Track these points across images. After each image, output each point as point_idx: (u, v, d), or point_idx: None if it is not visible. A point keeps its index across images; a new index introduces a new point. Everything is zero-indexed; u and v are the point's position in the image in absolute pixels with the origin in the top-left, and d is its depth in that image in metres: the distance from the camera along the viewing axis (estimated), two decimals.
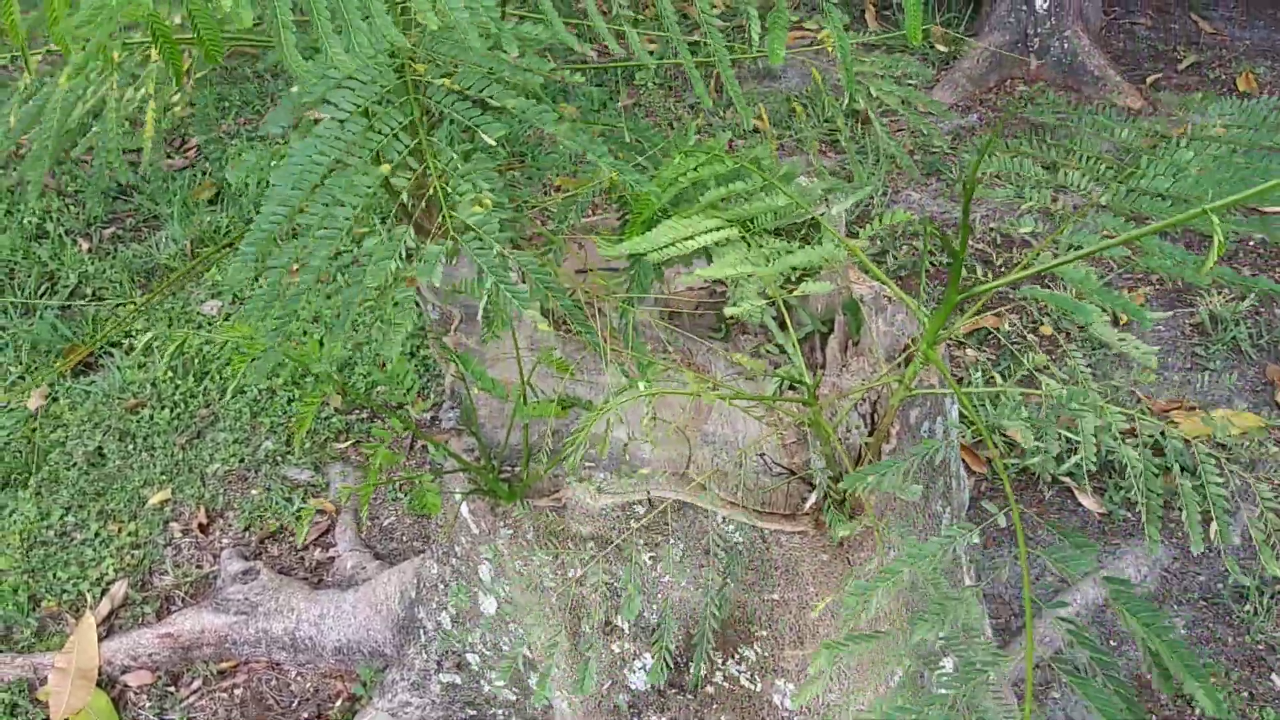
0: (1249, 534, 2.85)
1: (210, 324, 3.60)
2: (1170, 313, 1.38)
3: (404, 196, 1.34)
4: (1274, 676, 2.57)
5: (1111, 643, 2.67)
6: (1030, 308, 3.54)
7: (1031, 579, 2.83)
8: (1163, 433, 1.36)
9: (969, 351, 3.43)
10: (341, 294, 1.30)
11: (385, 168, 1.34)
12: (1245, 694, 2.53)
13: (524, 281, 1.33)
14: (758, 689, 1.59)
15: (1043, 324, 3.49)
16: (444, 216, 1.31)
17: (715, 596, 1.47)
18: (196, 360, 3.44)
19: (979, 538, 2.84)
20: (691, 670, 1.57)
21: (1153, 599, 2.77)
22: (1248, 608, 2.69)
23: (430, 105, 1.40)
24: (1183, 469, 1.28)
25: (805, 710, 1.59)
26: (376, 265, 1.29)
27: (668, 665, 1.31)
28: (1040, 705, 2.41)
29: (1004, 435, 3.14)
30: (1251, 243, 3.84)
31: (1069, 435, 3.08)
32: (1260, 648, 2.61)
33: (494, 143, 1.38)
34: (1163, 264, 1.32)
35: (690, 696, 1.65)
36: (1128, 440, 1.34)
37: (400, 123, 1.36)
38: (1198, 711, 2.51)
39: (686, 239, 1.39)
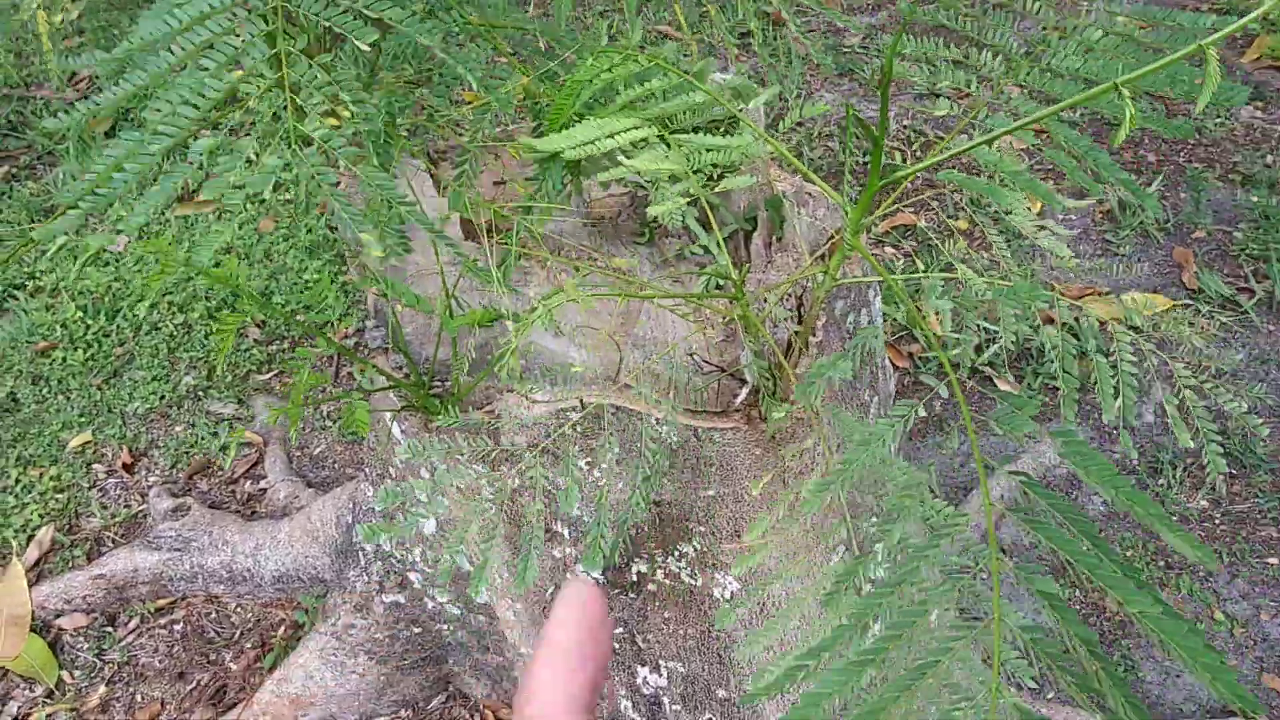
0: (1160, 410, 2.96)
1: (118, 261, 3.49)
2: (1087, 201, 1.41)
3: (258, 103, 1.30)
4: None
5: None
6: (946, 202, 3.58)
7: (957, 468, 2.91)
8: (1077, 317, 1.39)
9: (888, 249, 3.46)
10: (160, 181, 1.25)
11: (238, 74, 1.29)
12: (1161, 563, 2.65)
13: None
14: (698, 584, 1.62)
15: (959, 219, 3.53)
16: (290, 129, 1.27)
17: (642, 486, 1.49)
18: (107, 298, 3.35)
19: (924, 410, 2.91)
20: (645, 567, 1.59)
21: (1071, 479, 2.87)
22: (1162, 481, 2.79)
23: (296, 12, 1.34)
24: (1098, 350, 1.32)
25: (745, 601, 1.63)
26: (220, 173, 1.24)
27: (602, 553, 1.32)
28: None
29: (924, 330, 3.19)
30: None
31: (987, 326, 3.15)
32: (1174, 518, 2.72)
33: (366, 48, 1.33)
34: (1067, 163, 1.34)
35: (633, 596, 1.67)
36: (1045, 326, 1.37)
37: (263, 29, 1.30)
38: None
39: (605, 137, 1.37)
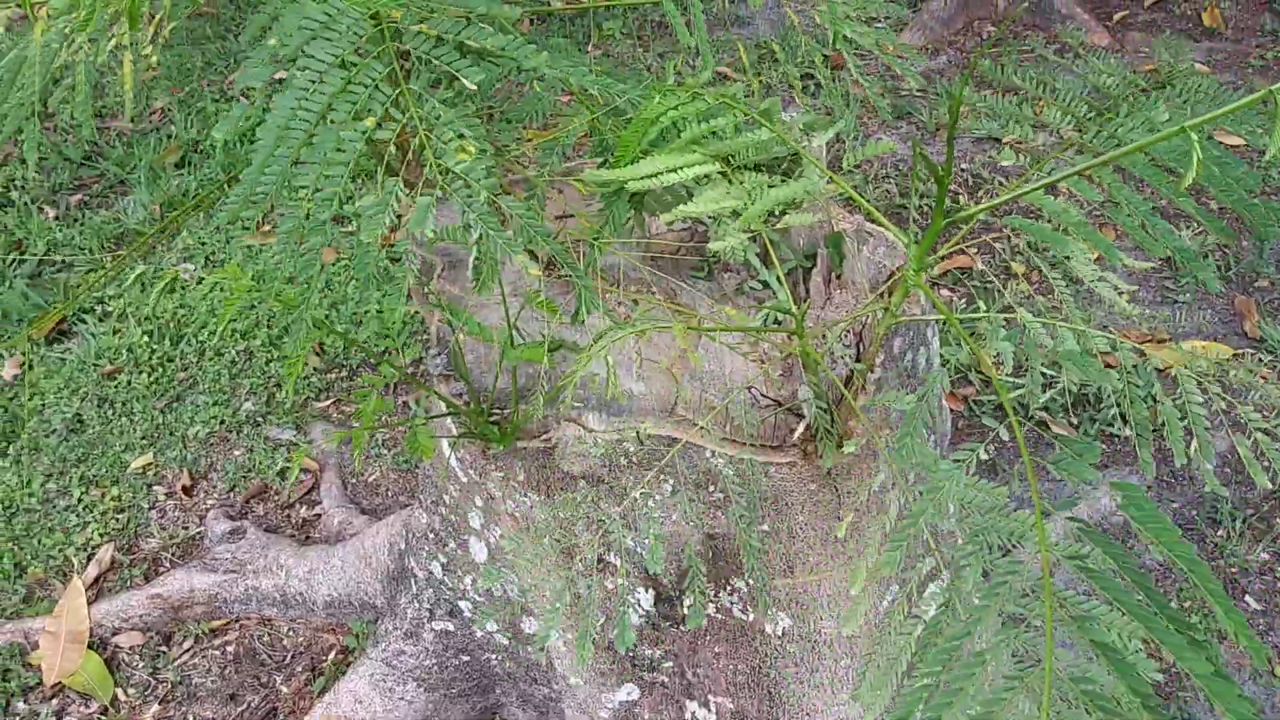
0: (1221, 460, 2.91)
1: (184, 288, 3.57)
2: (1148, 264, 1.40)
3: (385, 149, 1.34)
4: (1248, 598, 2.63)
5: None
6: (1003, 248, 3.57)
7: (1011, 511, 2.88)
8: (1136, 365, 1.39)
9: (944, 291, 3.46)
10: (352, 251, 1.30)
11: (370, 121, 1.33)
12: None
13: (509, 227, 1.34)
14: (750, 619, 1.62)
15: (1015, 264, 3.52)
16: (430, 165, 1.31)
17: (717, 526, 1.50)
18: (173, 324, 3.42)
19: (986, 453, 2.89)
20: (688, 602, 1.60)
21: (1127, 528, 2.82)
22: (1221, 532, 2.75)
23: (408, 51, 1.39)
24: (1155, 399, 1.32)
25: (799, 638, 1.63)
26: (371, 221, 1.29)
27: (674, 597, 1.34)
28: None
29: (980, 373, 3.18)
30: None
31: (1045, 371, 3.12)
32: (1234, 571, 2.67)
33: (474, 87, 1.37)
34: (1129, 222, 1.34)
35: (683, 629, 1.67)
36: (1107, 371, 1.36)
37: (380, 73, 1.35)
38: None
39: (669, 171, 1.40)
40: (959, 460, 1.11)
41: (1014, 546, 1.03)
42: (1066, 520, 1.11)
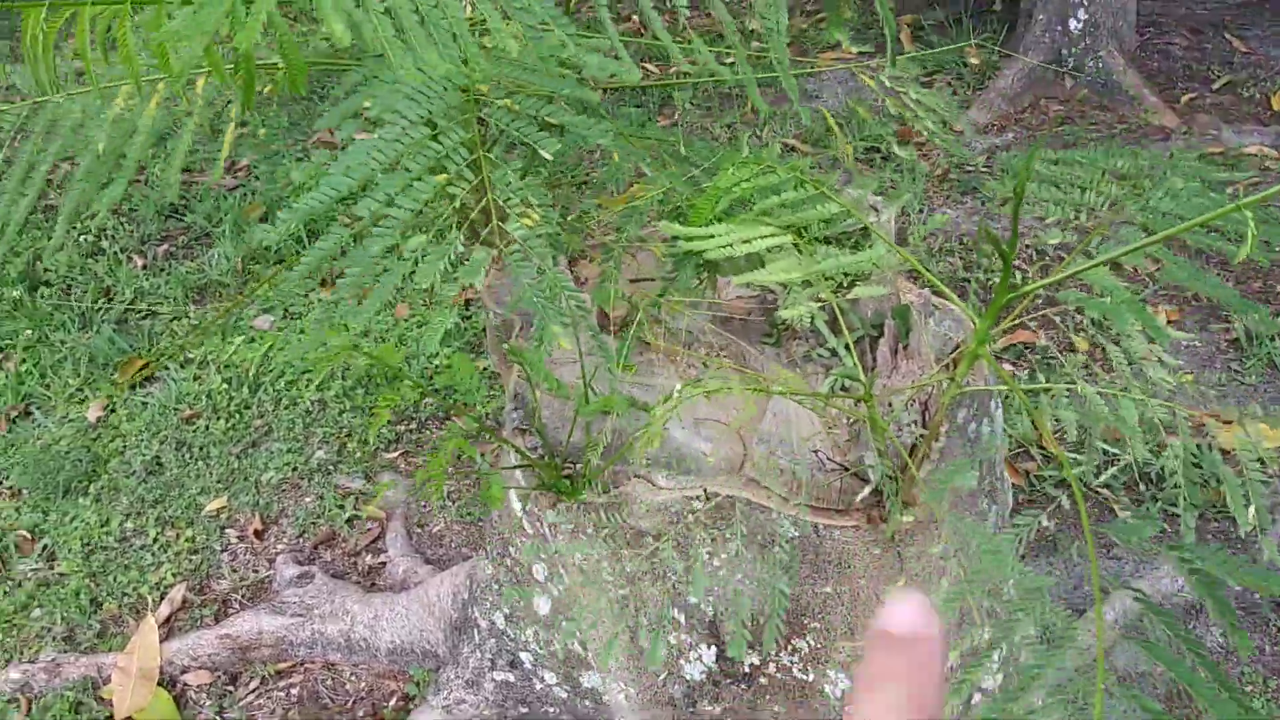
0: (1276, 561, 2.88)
1: (262, 338, 3.70)
2: (1194, 335, 1.42)
3: (459, 204, 1.42)
4: None
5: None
6: (1065, 324, 3.58)
7: (1071, 589, 2.87)
8: (1200, 444, 1.41)
9: (1006, 365, 3.47)
10: (380, 279, 1.37)
11: (442, 177, 1.42)
12: None
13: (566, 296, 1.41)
14: (810, 679, 1.64)
15: (1078, 339, 3.53)
16: (494, 227, 1.39)
17: (779, 585, 1.54)
18: (251, 373, 3.54)
19: (1048, 527, 2.89)
20: (760, 649, 1.63)
21: (1189, 609, 2.80)
22: None
23: (490, 121, 1.48)
24: (1218, 480, 1.34)
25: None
26: (427, 265, 1.37)
27: (745, 638, 1.37)
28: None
29: (1041, 448, 3.18)
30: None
31: (1106, 448, 3.12)
32: None
33: (549, 156, 1.46)
34: (1179, 275, 1.38)
35: (744, 687, 1.70)
36: (1168, 446, 1.39)
37: (461, 137, 1.44)
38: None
39: (742, 242, 1.46)
40: (1018, 527, 1.14)
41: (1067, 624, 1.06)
42: (1129, 595, 1.13)
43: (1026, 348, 3.51)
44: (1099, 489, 3.05)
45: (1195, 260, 3.75)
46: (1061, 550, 2.92)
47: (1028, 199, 1.48)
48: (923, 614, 0.46)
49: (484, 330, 3.55)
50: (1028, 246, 3.92)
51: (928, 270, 1.33)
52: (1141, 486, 3.05)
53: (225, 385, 3.50)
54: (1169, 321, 3.55)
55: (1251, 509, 1.21)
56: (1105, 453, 3.11)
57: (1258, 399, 3.30)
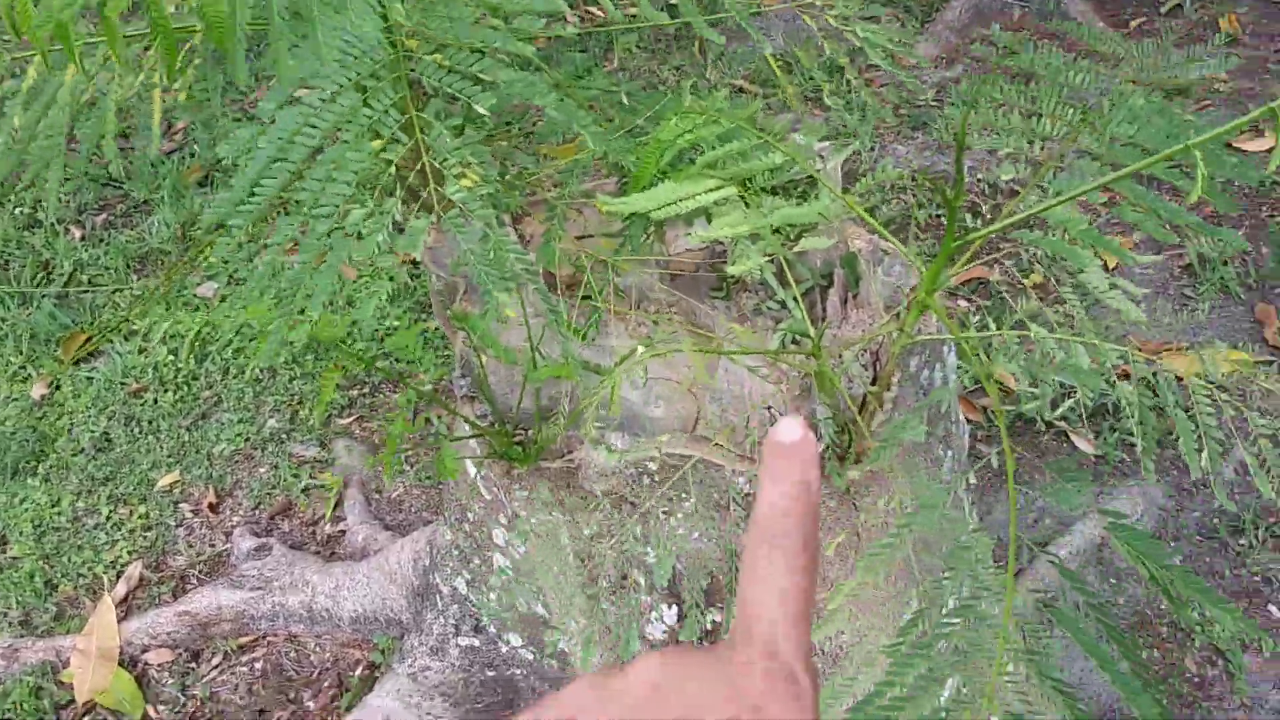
0: (1242, 468, 2.91)
1: (206, 306, 3.62)
2: (1160, 256, 1.41)
3: (395, 169, 1.37)
4: (1271, 607, 2.63)
5: (1112, 580, 2.73)
6: (1021, 254, 3.58)
7: (1030, 523, 2.88)
8: (1155, 373, 1.40)
9: (961, 302, 3.47)
10: (326, 259, 1.33)
11: (377, 143, 1.37)
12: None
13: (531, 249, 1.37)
14: None
15: (1033, 272, 3.52)
16: (431, 191, 1.34)
17: (737, 544, 1.52)
18: (197, 343, 3.47)
19: (975, 478, 2.90)
20: (720, 607, 1.62)
21: (1154, 536, 2.82)
22: (1243, 541, 2.75)
23: (421, 79, 1.43)
24: (1176, 404, 1.33)
25: (820, 652, 1.64)
26: (367, 239, 1.32)
27: (699, 615, 1.36)
28: (1042, 640, 2.47)
29: (1000, 382, 3.19)
30: (1234, 184, 3.87)
31: (1063, 381, 3.13)
32: (1257, 579, 2.67)
33: (485, 112, 1.40)
34: (1140, 217, 1.36)
35: (706, 644, 1.69)
36: (1121, 383, 1.38)
37: (392, 98, 1.38)
38: (1197, 643, 2.58)
39: (685, 199, 1.42)
40: (952, 483, 1.13)
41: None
42: (1082, 533, 1.12)
43: (980, 283, 3.50)
44: (1057, 421, 3.06)
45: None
46: (1024, 481, 2.94)
47: (983, 129, 1.44)
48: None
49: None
50: (980, 180, 3.89)
51: (874, 219, 1.29)
52: (1099, 418, 3.06)
53: (171, 357, 3.43)
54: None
55: (1204, 454, 1.20)
56: (1063, 386, 3.12)
57: (1211, 323, 3.31)
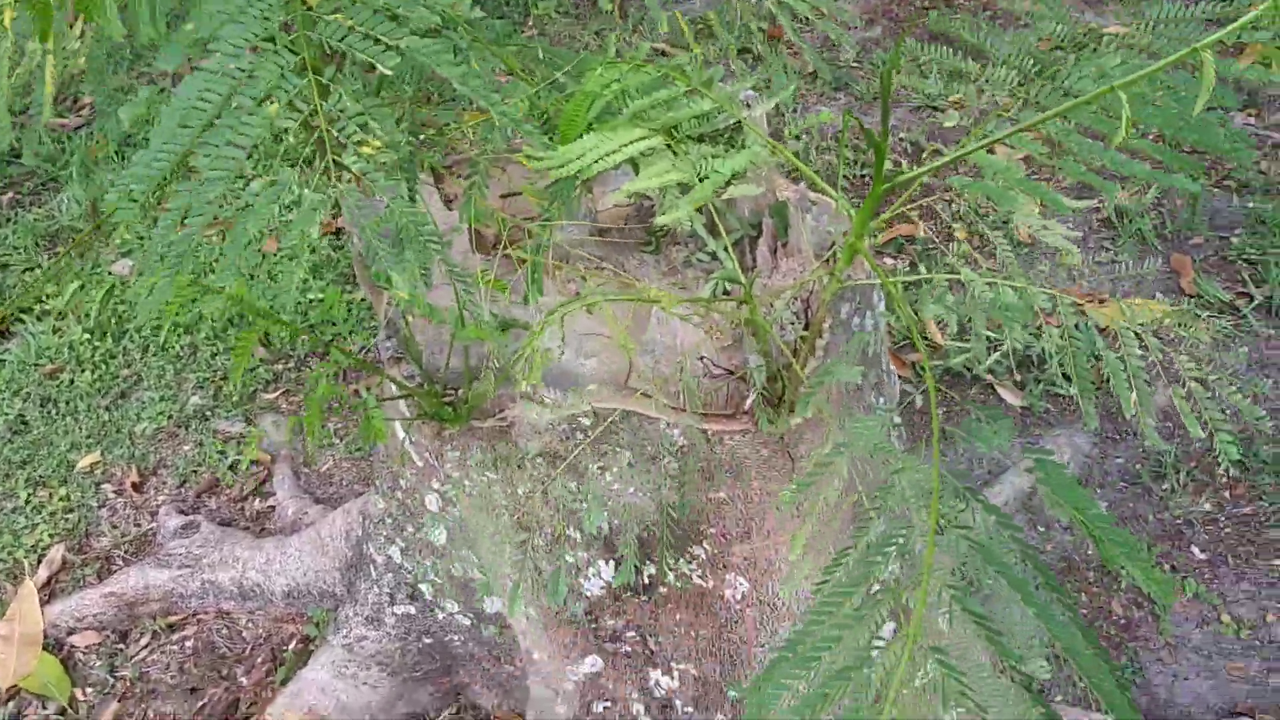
0: (1163, 415, 2.98)
1: (122, 284, 3.52)
2: (1091, 201, 1.44)
3: (292, 138, 1.33)
4: (1193, 548, 2.70)
5: (1040, 528, 2.78)
6: (945, 211, 3.61)
7: (967, 472, 2.93)
8: (1078, 324, 1.42)
9: (888, 260, 3.49)
10: (230, 234, 1.29)
11: (273, 109, 1.32)
12: (1168, 567, 2.67)
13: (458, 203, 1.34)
14: (709, 585, 1.64)
15: (957, 229, 3.56)
16: (328, 162, 1.30)
17: (672, 497, 1.52)
18: (113, 321, 3.37)
19: (904, 433, 2.93)
20: (655, 570, 1.62)
21: (1079, 482, 2.88)
22: (1165, 485, 2.82)
23: (324, 41, 1.38)
24: (1104, 346, 1.35)
25: (758, 602, 1.65)
26: (260, 212, 1.28)
27: (636, 567, 1.36)
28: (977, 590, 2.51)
29: (927, 339, 3.22)
30: (1151, 137, 3.95)
31: (990, 334, 3.18)
32: (1179, 522, 2.74)
33: (389, 72, 1.36)
34: (1074, 166, 1.37)
35: (644, 598, 1.69)
36: (1049, 328, 1.40)
37: (290, 61, 1.33)
38: (1123, 586, 2.64)
39: (612, 152, 1.40)
40: (885, 413, 1.13)
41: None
42: (1017, 477, 1.13)
43: (907, 240, 3.53)
44: (985, 374, 3.10)
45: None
46: (950, 436, 2.98)
47: (904, 89, 1.44)
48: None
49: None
50: (903, 140, 3.92)
51: (803, 164, 1.29)
52: (1024, 369, 3.11)
53: (88, 336, 3.33)
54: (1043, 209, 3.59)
55: (1134, 393, 1.21)
56: (989, 339, 3.16)
57: (1129, 274, 3.38)
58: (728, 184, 1.43)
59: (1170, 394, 3.19)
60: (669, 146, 1.43)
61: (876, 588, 1.01)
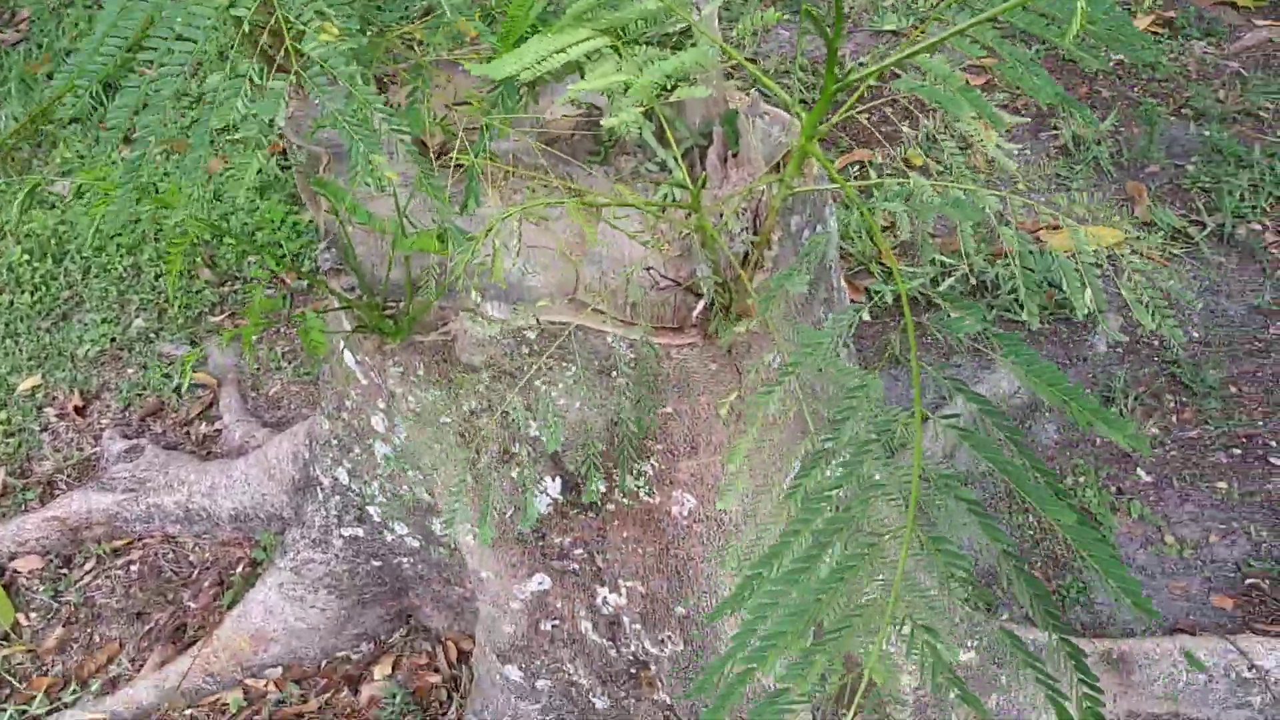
0: (1112, 342, 2.99)
1: (62, 203, 3.42)
2: (1027, 119, 1.41)
3: (247, 26, 1.27)
4: (1140, 471, 2.73)
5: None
6: (902, 137, 3.58)
7: (923, 395, 2.93)
8: (1038, 240, 1.40)
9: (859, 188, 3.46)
10: (191, 133, 1.24)
11: None
12: (1114, 489, 2.69)
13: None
14: (656, 501, 1.62)
15: (915, 156, 3.54)
16: (288, 48, 1.25)
17: (627, 410, 1.49)
18: (53, 241, 3.28)
19: (855, 359, 2.93)
20: (618, 486, 1.60)
21: (1027, 408, 2.90)
22: (1114, 409, 2.83)
23: None
24: (1053, 284, 1.33)
25: (704, 518, 1.64)
26: (224, 104, 1.23)
27: (577, 485, 1.34)
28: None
29: (880, 263, 3.21)
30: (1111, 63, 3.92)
31: (944, 260, 3.17)
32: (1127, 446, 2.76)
33: None
34: (1013, 72, 1.34)
35: (592, 515, 1.67)
36: (1002, 227, 1.37)
37: None
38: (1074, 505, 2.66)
39: (556, 53, 1.35)
40: (839, 321, 1.11)
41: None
42: (967, 398, 1.12)
43: (861, 165, 3.50)
44: (937, 300, 3.09)
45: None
46: (904, 361, 2.98)
47: (859, 15, 1.40)
48: None
49: None
50: (863, 65, 3.88)
51: (752, 65, 1.25)
52: (978, 295, 3.11)
53: (27, 256, 3.24)
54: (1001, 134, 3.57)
55: (1088, 292, 1.20)
56: (943, 264, 3.15)
57: (1084, 201, 3.38)
58: (675, 87, 1.39)
59: (1120, 320, 3.20)
60: (615, 49, 1.38)
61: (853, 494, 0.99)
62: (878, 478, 0.92)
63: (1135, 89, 3.77)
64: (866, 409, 1.04)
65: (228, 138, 3.56)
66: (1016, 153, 3.56)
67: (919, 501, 0.98)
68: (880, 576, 0.92)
